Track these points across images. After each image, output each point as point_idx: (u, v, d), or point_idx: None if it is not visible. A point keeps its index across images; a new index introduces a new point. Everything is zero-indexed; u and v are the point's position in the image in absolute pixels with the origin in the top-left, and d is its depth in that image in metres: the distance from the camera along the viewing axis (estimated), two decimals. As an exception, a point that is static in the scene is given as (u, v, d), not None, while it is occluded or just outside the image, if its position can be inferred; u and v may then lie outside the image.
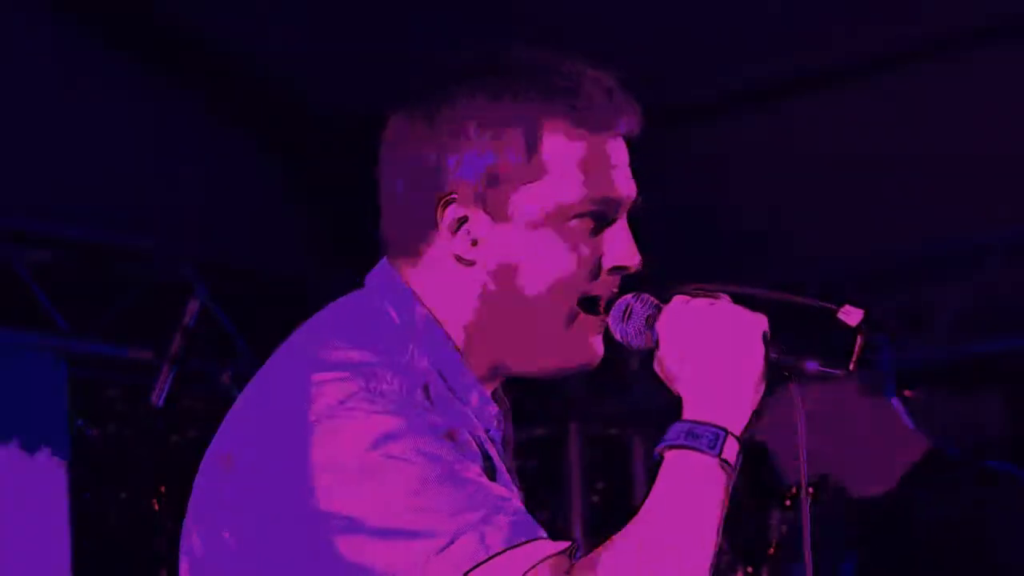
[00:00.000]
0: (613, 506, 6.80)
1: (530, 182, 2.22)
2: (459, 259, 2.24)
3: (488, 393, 2.29)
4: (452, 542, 2.04)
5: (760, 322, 2.18)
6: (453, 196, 2.23)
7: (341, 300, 2.31)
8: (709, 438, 2.13)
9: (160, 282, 5.22)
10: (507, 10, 4.25)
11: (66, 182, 4.80)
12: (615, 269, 2.25)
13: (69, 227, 5.10)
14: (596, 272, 2.23)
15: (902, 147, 4.84)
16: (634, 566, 2.09)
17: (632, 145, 2.29)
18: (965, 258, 5.45)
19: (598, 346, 2.27)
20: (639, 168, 2.27)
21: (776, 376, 2.19)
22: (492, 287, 2.24)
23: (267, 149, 4.62)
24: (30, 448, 5.32)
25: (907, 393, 4.43)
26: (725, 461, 2.13)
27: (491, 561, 2.04)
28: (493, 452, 2.23)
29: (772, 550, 5.21)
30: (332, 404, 2.11)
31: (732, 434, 2.14)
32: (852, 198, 5.10)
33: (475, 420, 2.23)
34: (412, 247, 2.27)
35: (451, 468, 2.08)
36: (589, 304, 2.23)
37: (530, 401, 6.64)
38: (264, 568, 2.13)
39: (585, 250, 2.22)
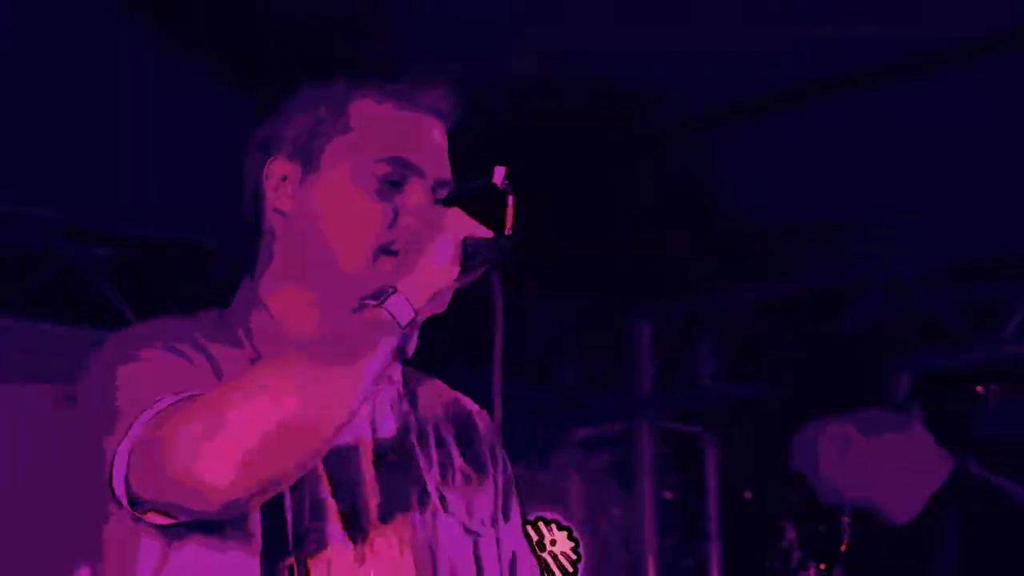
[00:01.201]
0: (685, 502, 6.77)
1: (337, 136, 2.46)
2: (278, 212, 2.49)
3: None
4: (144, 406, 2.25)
5: (460, 216, 2.36)
6: (276, 157, 2.49)
7: None
8: (381, 296, 2.29)
9: (222, 279, 5.27)
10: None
11: (130, 181, 4.84)
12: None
13: (134, 224, 5.16)
14: (394, 223, 2.43)
15: (966, 144, 4.81)
16: (268, 382, 2.21)
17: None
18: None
19: None
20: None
21: (476, 263, 2.34)
22: (304, 234, 2.46)
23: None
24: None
25: (981, 389, 4.41)
26: (390, 312, 2.27)
27: (146, 413, 2.23)
28: None
29: (844, 547, 5.18)
30: (100, 350, 2.38)
31: (400, 293, 2.29)
32: (919, 197, 5.07)
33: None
34: (253, 220, 2.52)
35: (163, 371, 2.30)
36: (387, 250, 2.42)
37: (600, 397, 6.64)
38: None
39: (383, 201, 2.43)
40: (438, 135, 2.50)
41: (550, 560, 6.57)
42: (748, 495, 6.74)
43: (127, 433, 2.24)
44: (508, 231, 2.36)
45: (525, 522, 2.72)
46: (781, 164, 5.08)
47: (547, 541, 6.58)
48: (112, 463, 2.25)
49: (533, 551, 2.71)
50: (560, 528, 6.60)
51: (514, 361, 6.19)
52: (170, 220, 5.22)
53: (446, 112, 2.50)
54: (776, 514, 6.33)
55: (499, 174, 2.39)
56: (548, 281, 5.98)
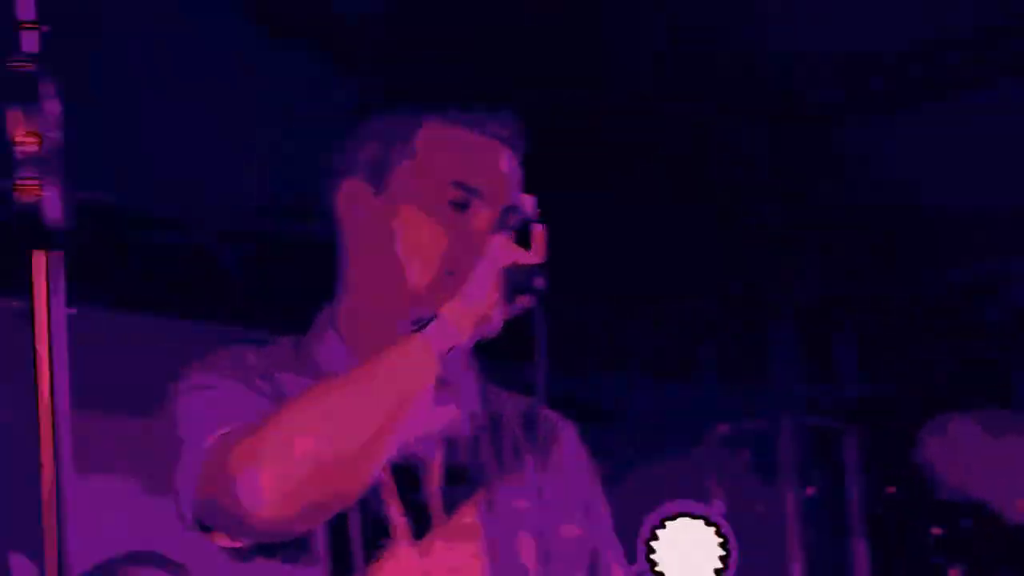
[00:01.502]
0: (827, 498, 6.71)
1: (406, 160, 2.48)
2: (350, 234, 2.52)
3: None
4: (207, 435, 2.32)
5: (505, 244, 2.36)
6: (348, 180, 2.52)
7: None
8: (423, 322, 2.33)
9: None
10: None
11: (264, 183, 4.92)
12: None
13: (270, 223, 5.23)
14: (457, 246, 2.43)
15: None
16: (305, 403, 2.28)
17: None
18: None
19: None
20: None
21: (516, 290, 2.34)
22: (372, 256, 2.50)
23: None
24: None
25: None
26: (430, 339, 2.31)
27: (207, 441, 2.30)
28: None
29: (984, 546, 5.12)
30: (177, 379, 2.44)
31: (442, 319, 2.32)
32: None
33: None
34: (336, 243, 2.56)
35: (226, 401, 2.36)
36: (451, 273, 2.42)
37: (741, 394, 6.61)
38: None
39: (448, 224, 2.45)
40: (505, 161, 2.51)
41: (696, 558, 6.55)
42: (891, 491, 6.66)
43: (189, 461, 2.31)
44: (539, 259, 2.35)
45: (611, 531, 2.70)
46: (923, 157, 5.06)
47: (690, 540, 6.57)
48: (179, 489, 2.32)
49: (618, 551, 2.70)
50: (708, 524, 6.57)
51: (654, 358, 6.20)
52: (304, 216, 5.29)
53: (511, 139, 2.51)
54: (921, 511, 6.26)
55: (530, 201, 2.40)
56: (687, 277, 5.98)
